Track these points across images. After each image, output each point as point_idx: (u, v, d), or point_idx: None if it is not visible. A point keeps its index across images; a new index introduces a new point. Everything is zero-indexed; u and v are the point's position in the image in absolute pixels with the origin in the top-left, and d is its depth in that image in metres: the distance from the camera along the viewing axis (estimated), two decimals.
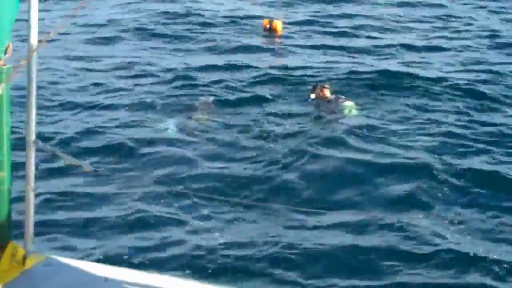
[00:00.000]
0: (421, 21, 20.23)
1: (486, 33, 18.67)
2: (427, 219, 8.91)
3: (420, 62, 16.12)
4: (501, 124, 12.15)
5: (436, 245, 8.19)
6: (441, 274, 7.68)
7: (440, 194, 9.55)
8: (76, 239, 8.35)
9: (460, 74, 15.05)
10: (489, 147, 11.15)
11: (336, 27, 19.36)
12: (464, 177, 9.98)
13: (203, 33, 18.77)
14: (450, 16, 20.77)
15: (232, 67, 15.65)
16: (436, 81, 14.52)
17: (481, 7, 22.03)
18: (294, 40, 18.16)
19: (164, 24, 19.65)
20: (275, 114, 12.64)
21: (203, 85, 14.32)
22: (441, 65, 15.87)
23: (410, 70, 15.36)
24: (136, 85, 14.45)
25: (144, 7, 21.77)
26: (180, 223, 8.75)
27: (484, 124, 12.19)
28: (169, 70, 15.36)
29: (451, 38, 18.30)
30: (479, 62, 16.09)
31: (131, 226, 8.69)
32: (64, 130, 11.90)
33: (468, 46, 17.53)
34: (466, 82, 14.41)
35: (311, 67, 15.58)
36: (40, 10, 4.18)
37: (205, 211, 8.98)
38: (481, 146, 11.23)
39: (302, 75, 14.95)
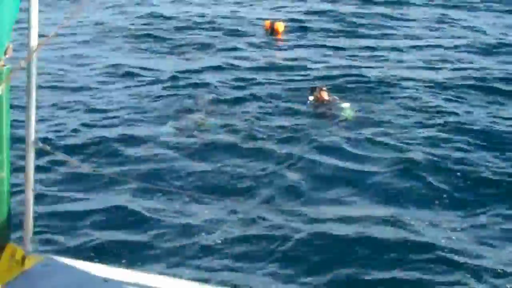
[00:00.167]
0: (421, 21, 20.24)
1: (485, 35, 18.69)
2: (427, 218, 9.00)
3: (419, 63, 16.14)
4: (501, 124, 12.22)
5: (434, 245, 8.25)
6: (439, 271, 7.74)
7: (436, 192, 9.66)
8: (75, 239, 8.35)
9: (460, 74, 15.07)
10: (489, 149, 11.17)
11: (337, 29, 19.37)
12: (462, 176, 10.10)
13: (203, 34, 18.79)
14: (449, 16, 20.79)
15: (232, 67, 15.68)
16: (435, 81, 14.56)
17: (479, 8, 22.05)
18: (295, 42, 18.17)
19: (162, 25, 19.67)
20: (274, 115, 12.69)
21: (202, 86, 14.35)
22: (440, 65, 15.89)
23: (409, 71, 15.38)
24: (134, 85, 14.47)
25: (143, 9, 21.78)
26: (180, 222, 8.77)
27: (484, 124, 12.22)
28: (167, 71, 15.38)
29: (451, 39, 18.32)
30: (479, 63, 16.10)
31: (131, 226, 8.70)
32: (63, 131, 11.92)
33: (468, 46, 17.55)
34: (466, 82, 14.46)
35: (311, 69, 15.62)
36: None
37: (205, 211, 9.03)
38: (480, 146, 11.27)
39: (302, 77, 14.99)
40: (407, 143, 11.35)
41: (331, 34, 18.92)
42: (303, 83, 14.47)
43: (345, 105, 12.91)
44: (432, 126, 12.16)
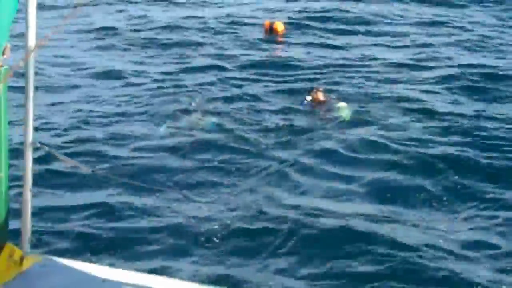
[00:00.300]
0: (420, 21, 20.24)
1: (485, 35, 18.70)
2: (422, 217, 9.09)
3: (418, 63, 16.15)
4: (495, 124, 12.26)
5: (434, 244, 8.30)
6: (440, 267, 7.81)
7: (431, 191, 9.75)
8: (73, 239, 8.37)
9: (460, 75, 15.08)
10: (488, 153, 11.19)
11: (337, 29, 19.33)
12: (455, 175, 10.19)
13: (200, 34, 18.75)
14: (449, 16, 20.79)
15: (231, 67, 15.68)
16: (434, 82, 14.57)
17: (480, 7, 22.05)
18: (295, 42, 18.16)
19: (160, 26, 19.64)
20: (271, 115, 12.70)
21: (199, 85, 14.33)
22: (439, 66, 15.90)
23: (407, 71, 15.40)
24: (129, 85, 14.45)
25: (137, 12, 21.73)
26: (178, 221, 8.82)
27: (478, 123, 12.25)
28: (163, 71, 15.36)
29: (451, 39, 18.32)
30: (478, 63, 16.12)
31: (128, 225, 8.72)
32: (59, 132, 11.91)
33: (469, 46, 17.57)
34: (465, 83, 14.48)
35: (309, 69, 15.60)
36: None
37: (201, 210, 9.11)
38: (480, 148, 11.31)
39: (300, 77, 14.99)
40: (403, 143, 11.38)
41: (330, 34, 18.89)
42: (300, 83, 14.47)
43: (342, 105, 12.93)
44: (428, 126, 12.17)
